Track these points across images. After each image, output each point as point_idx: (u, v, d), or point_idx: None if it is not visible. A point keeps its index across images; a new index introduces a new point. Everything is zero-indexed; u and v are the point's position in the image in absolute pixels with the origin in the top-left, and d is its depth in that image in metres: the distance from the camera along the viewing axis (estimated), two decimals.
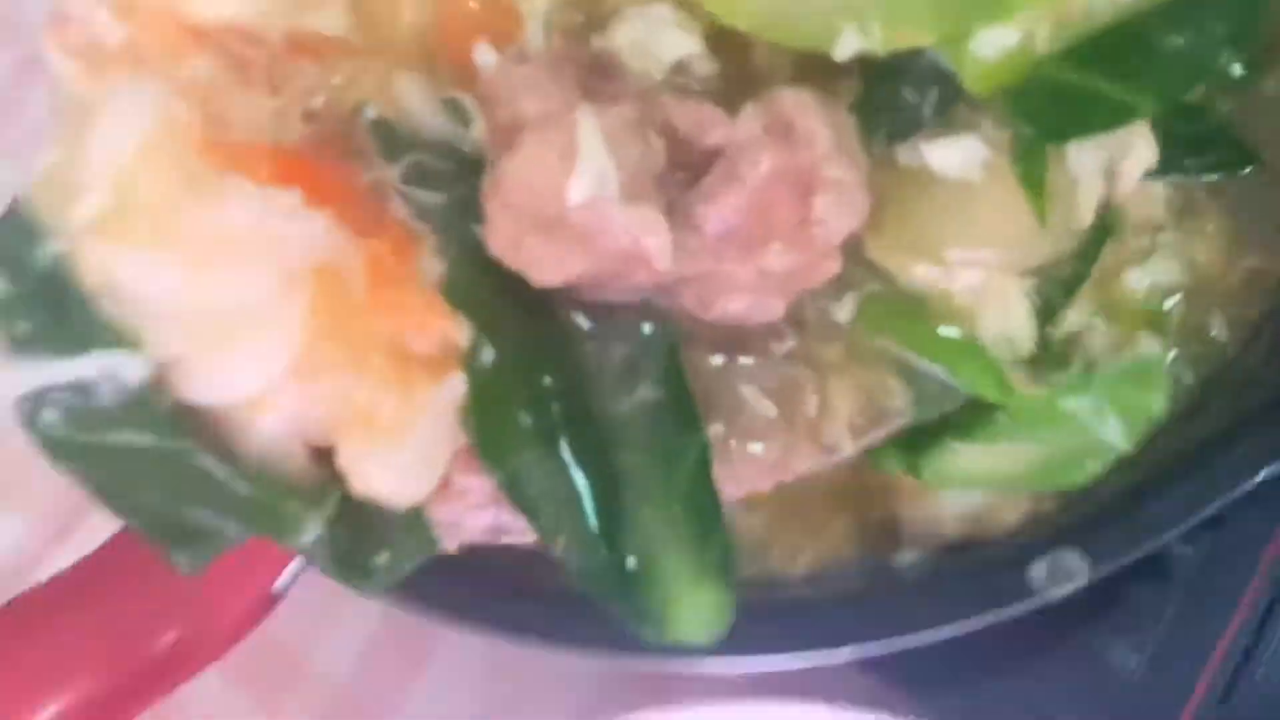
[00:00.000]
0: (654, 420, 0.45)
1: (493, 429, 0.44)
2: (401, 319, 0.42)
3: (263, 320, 0.42)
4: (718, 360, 0.47)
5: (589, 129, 0.42)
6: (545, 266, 0.43)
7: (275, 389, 0.43)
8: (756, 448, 0.48)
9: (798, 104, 0.44)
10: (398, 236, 0.44)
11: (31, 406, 0.42)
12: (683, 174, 0.45)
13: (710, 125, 0.45)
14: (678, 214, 0.43)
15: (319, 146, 0.47)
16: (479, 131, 0.47)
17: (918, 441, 0.55)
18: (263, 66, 0.46)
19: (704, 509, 0.45)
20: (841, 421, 0.49)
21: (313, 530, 0.45)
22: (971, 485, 0.61)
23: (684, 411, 0.45)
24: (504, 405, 0.44)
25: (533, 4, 0.47)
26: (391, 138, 0.47)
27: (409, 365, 0.42)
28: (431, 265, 0.45)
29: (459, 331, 0.43)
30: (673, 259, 0.43)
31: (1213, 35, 0.44)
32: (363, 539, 0.46)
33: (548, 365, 0.44)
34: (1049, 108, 0.44)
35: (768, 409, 0.48)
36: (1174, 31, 0.44)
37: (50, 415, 0.42)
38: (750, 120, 0.44)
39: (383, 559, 0.46)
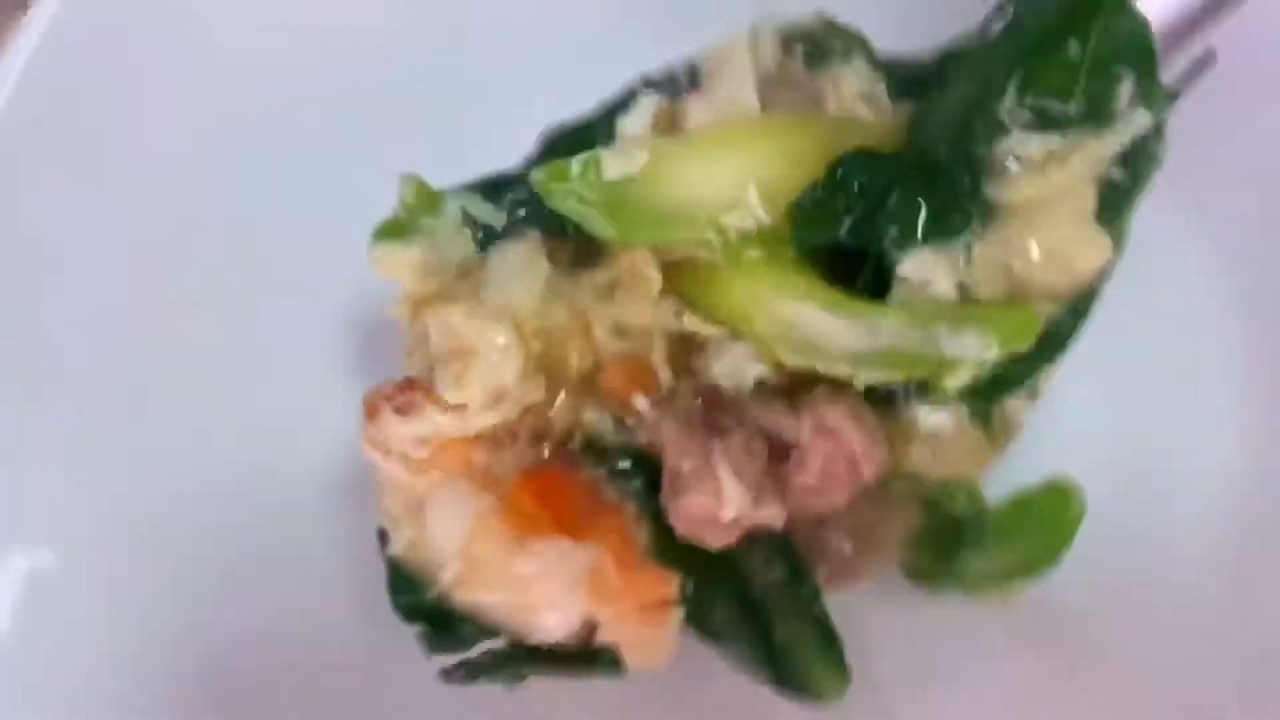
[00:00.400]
0: (786, 583, 0.79)
1: (700, 615, 0.77)
2: (639, 590, 0.74)
3: (570, 608, 0.73)
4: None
5: (726, 474, 0.72)
6: (712, 542, 0.75)
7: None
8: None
9: (834, 416, 0.75)
10: (620, 529, 0.75)
11: (445, 675, 0.75)
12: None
13: (784, 425, 0.74)
14: (779, 479, 0.74)
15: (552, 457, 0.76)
16: (643, 439, 0.76)
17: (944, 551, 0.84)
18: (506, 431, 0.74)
19: (823, 627, 0.80)
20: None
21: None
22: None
23: (802, 574, 0.80)
24: (705, 604, 0.76)
25: (659, 356, 0.74)
26: (594, 450, 0.76)
27: (648, 611, 0.74)
28: (638, 531, 0.75)
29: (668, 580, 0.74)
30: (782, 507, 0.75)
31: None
32: None
33: (722, 578, 0.77)
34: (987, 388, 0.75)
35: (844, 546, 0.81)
36: None
37: (460, 673, 0.75)
38: (805, 429, 0.75)
39: None
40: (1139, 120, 0.74)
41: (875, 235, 0.76)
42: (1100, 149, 0.75)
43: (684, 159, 0.75)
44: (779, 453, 0.76)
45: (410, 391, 0.73)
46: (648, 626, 0.76)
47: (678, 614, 0.76)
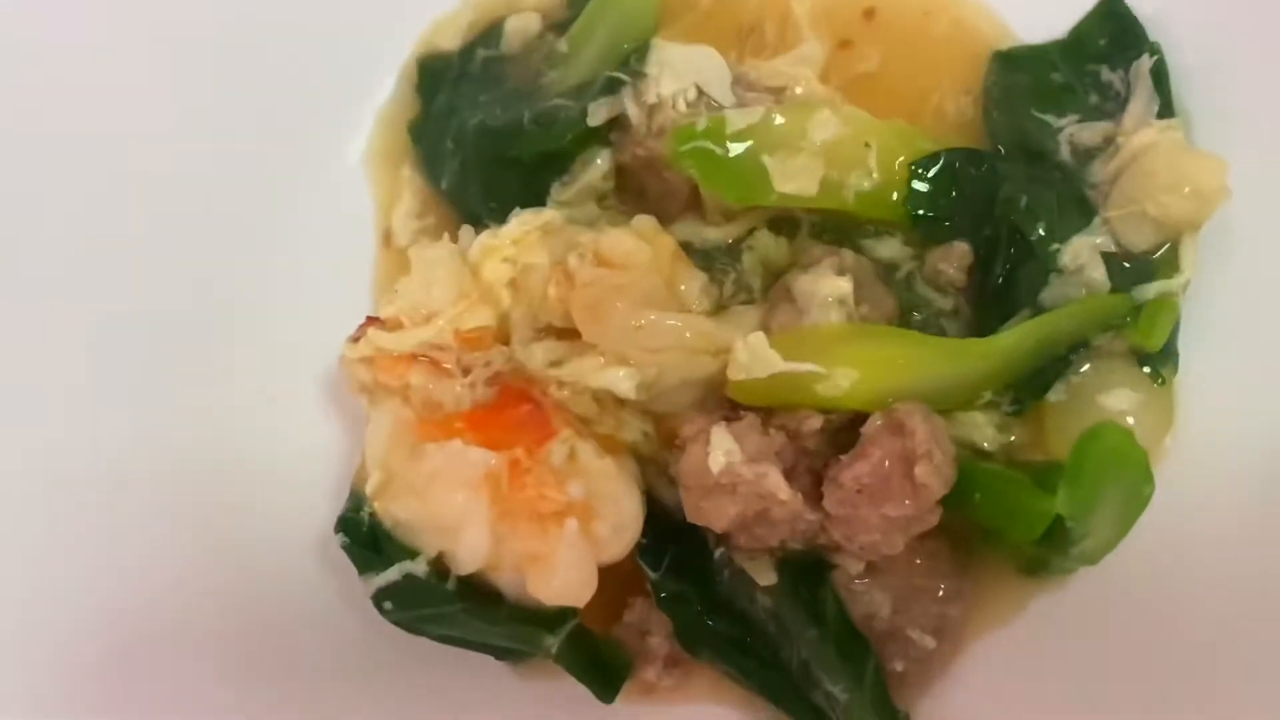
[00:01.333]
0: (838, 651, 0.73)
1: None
2: (535, 492, 0.68)
3: (469, 516, 0.70)
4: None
5: (718, 429, 0.71)
6: (714, 517, 0.71)
7: (492, 554, 0.70)
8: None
9: (908, 411, 0.70)
10: (533, 439, 0.71)
11: (377, 601, 0.73)
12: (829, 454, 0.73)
13: (808, 422, 0.73)
14: (830, 479, 0.71)
15: (500, 395, 0.75)
16: None
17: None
18: (451, 361, 0.76)
19: (883, 703, 0.73)
20: None
21: (555, 644, 0.73)
22: None
23: (858, 643, 0.74)
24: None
25: None
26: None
27: (544, 521, 0.68)
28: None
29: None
30: (824, 505, 0.71)
31: None
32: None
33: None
34: None
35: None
36: None
37: (389, 605, 0.74)
38: (876, 420, 0.71)
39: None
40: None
41: (1010, 233, 0.79)
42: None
43: (802, 120, 0.81)
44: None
45: (367, 324, 0.78)
46: (539, 539, 0.69)
47: (572, 528, 0.69)
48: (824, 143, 0.81)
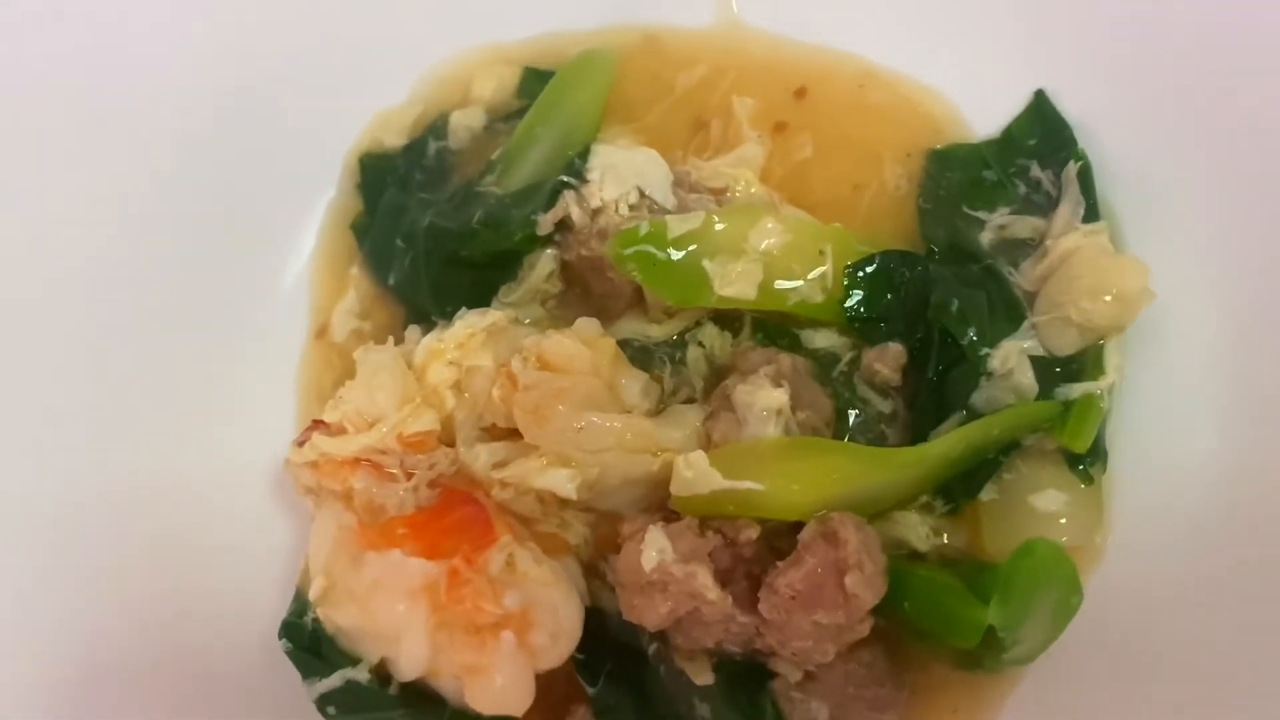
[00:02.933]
0: None
1: None
2: (472, 604, 0.69)
3: (409, 626, 0.71)
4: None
5: (654, 529, 0.73)
6: (647, 614, 0.72)
7: (431, 662, 0.71)
8: None
9: (841, 521, 0.72)
10: (473, 545, 0.72)
11: (321, 705, 0.75)
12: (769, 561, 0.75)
13: (745, 531, 0.74)
14: (766, 584, 0.72)
15: (443, 497, 0.76)
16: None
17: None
18: (395, 465, 0.77)
19: None
20: None
21: None
22: None
23: None
24: None
25: None
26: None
27: (481, 633, 0.69)
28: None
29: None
30: (760, 609, 0.72)
31: None
32: None
33: None
34: None
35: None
36: None
37: (332, 710, 0.75)
38: (811, 529, 0.73)
39: None
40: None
41: (942, 336, 0.81)
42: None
43: (743, 225, 0.84)
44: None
45: (312, 427, 0.79)
46: (477, 651, 0.70)
47: (508, 640, 0.70)
48: (765, 248, 0.83)
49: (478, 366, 0.80)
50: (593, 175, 0.87)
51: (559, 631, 0.73)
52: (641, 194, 0.87)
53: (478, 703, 0.71)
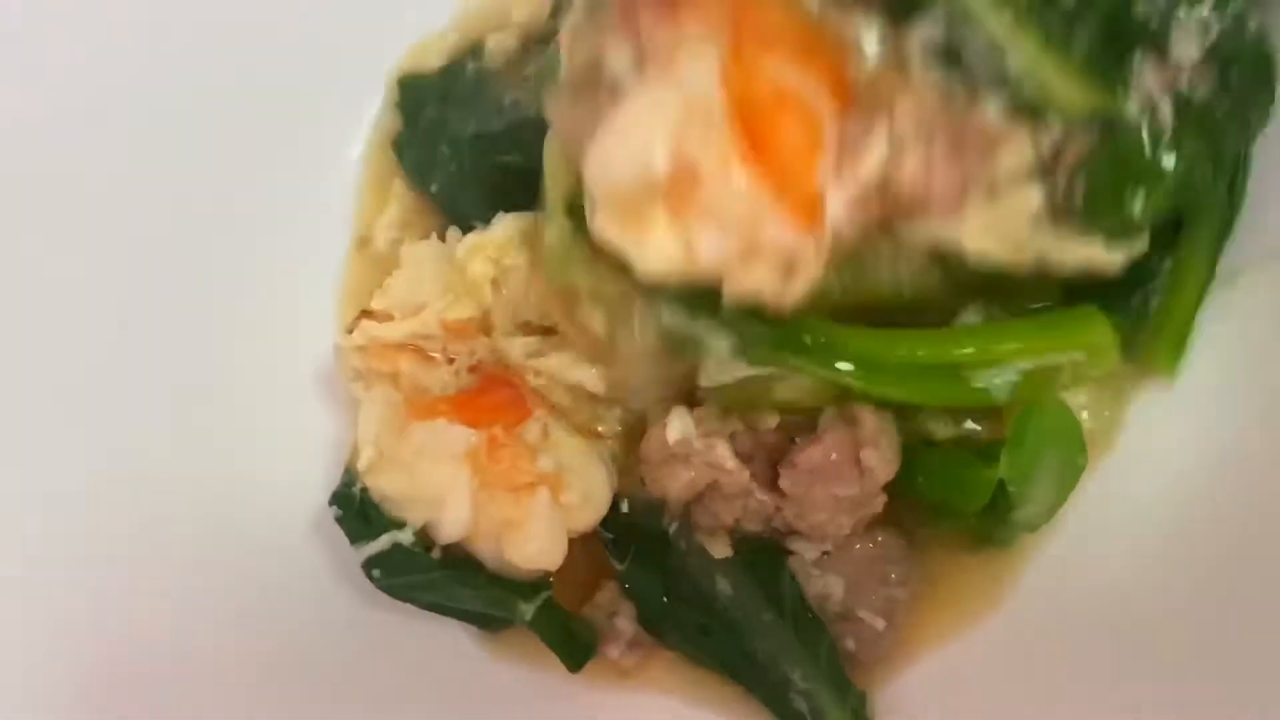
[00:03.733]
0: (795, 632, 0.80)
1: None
2: (510, 464, 0.75)
3: (452, 488, 0.77)
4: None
5: (679, 410, 0.78)
6: (669, 484, 0.78)
7: (472, 523, 0.77)
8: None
9: (859, 406, 0.77)
10: (510, 419, 0.77)
11: (367, 568, 0.80)
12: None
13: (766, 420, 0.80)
14: (786, 460, 0.78)
15: (482, 381, 0.82)
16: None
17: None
18: (438, 350, 0.83)
19: (839, 680, 0.80)
20: None
21: (529, 611, 0.80)
22: None
23: (814, 624, 0.81)
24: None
25: None
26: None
27: (518, 490, 0.75)
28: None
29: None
30: (780, 485, 0.77)
31: None
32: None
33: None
34: None
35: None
36: None
37: (377, 572, 0.80)
38: (830, 411, 0.78)
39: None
40: None
41: None
42: None
43: None
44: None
45: (361, 316, 0.85)
46: (514, 507, 0.76)
47: (543, 496, 0.77)
48: None
49: (515, 265, 0.85)
50: None
51: (589, 494, 0.79)
52: None
53: (515, 555, 0.77)
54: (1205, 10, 0.73)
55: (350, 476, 0.84)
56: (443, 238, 0.91)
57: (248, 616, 0.82)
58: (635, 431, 0.86)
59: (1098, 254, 0.75)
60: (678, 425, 0.78)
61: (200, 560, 0.84)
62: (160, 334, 0.91)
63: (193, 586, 0.83)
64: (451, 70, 1.03)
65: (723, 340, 0.74)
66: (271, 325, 0.96)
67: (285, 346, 0.96)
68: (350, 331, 0.85)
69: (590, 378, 0.83)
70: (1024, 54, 0.69)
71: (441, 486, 0.78)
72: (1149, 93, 0.72)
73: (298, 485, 0.89)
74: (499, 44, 1.02)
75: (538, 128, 0.90)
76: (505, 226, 0.88)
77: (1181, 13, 0.72)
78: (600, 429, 0.85)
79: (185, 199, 0.94)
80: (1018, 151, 0.70)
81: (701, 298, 0.73)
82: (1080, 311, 0.79)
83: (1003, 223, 0.72)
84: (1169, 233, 0.80)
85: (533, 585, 0.81)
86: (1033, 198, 0.72)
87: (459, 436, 0.78)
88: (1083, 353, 0.77)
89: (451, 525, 0.78)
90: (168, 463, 0.87)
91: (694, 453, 0.78)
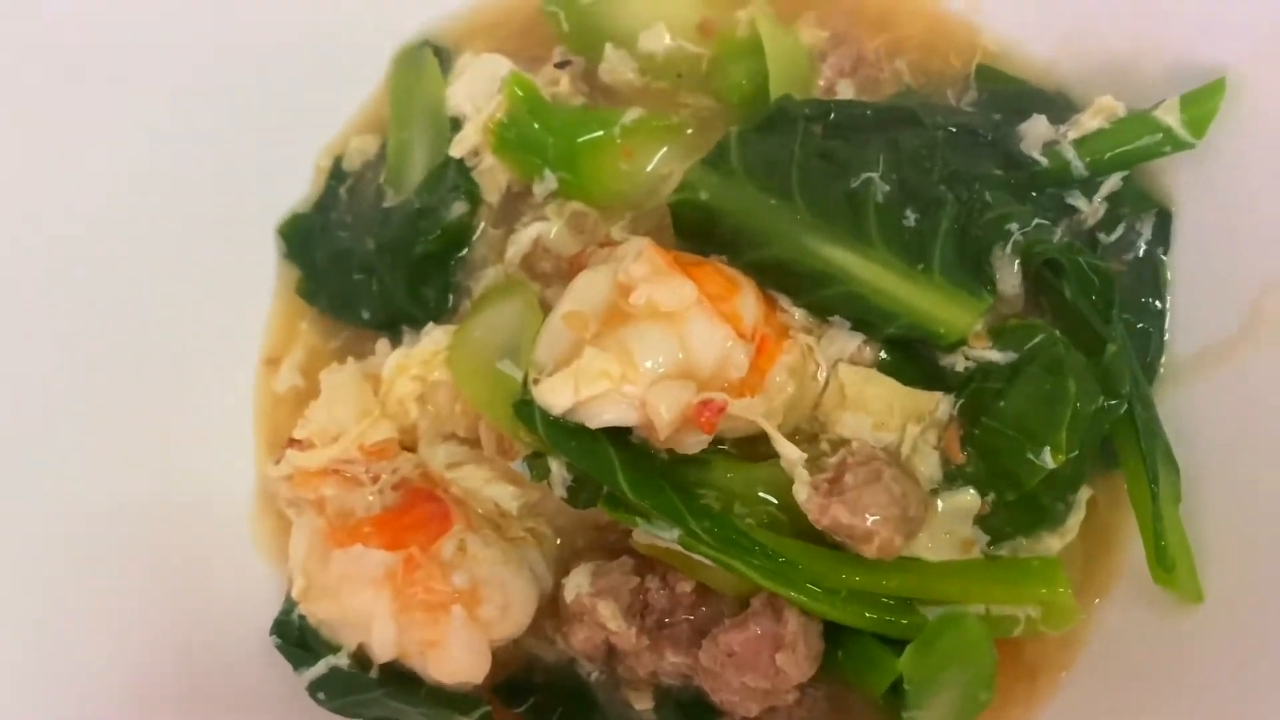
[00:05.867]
0: None
1: None
2: (424, 586, 0.78)
3: (375, 612, 0.80)
4: None
5: (580, 569, 0.83)
6: (570, 639, 0.82)
7: (399, 643, 0.79)
8: None
9: (789, 604, 0.79)
10: (430, 535, 0.80)
11: (312, 692, 0.83)
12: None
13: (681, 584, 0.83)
14: (710, 635, 0.80)
15: (405, 497, 0.85)
16: None
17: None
18: (360, 472, 0.85)
19: None
20: None
21: None
22: None
23: None
24: None
25: None
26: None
27: (434, 610, 0.78)
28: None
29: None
30: (700, 656, 0.80)
31: None
32: None
33: None
34: None
35: None
36: None
37: (322, 695, 0.84)
38: (762, 598, 0.80)
39: None
40: None
41: None
42: None
43: None
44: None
45: (287, 445, 0.89)
46: (432, 626, 0.79)
47: (458, 614, 0.80)
48: None
49: (440, 381, 0.89)
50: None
51: (508, 605, 0.82)
52: None
53: (438, 672, 0.80)
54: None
55: (290, 604, 0.87)
56: (359, 357, 0.95)
57: None
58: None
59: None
60: (573, 584, 0.82)
61: (153, 683, 0.86)
62: (106, 444, 0.91)
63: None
64: (323, 201, 1.06)
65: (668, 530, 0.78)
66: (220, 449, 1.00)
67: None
68: (277, 462, 0.88)
69: (505, 496, 0.86)
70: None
71: (365, 611, 0.80)
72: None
73: (248, 609, 0.92)
74: (357, 148, 1.06)
75: (427, 212, 0.98)
76: (431, 340, 0.91)
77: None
78: (525, 533, 0.87)
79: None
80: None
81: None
82: (1040, 563, 0.81)
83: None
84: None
85: (471, 699, 0.83)
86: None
87: (377, 560, 0.80)
88: (1037, 608, 0.79)
89: (380, 647, 0.81)
90: (120, 595, 0.88)
91: (585, 611, 0.82)
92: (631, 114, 0.97)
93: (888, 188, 0.84)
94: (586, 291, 0.81)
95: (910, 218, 0.84)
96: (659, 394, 0.75)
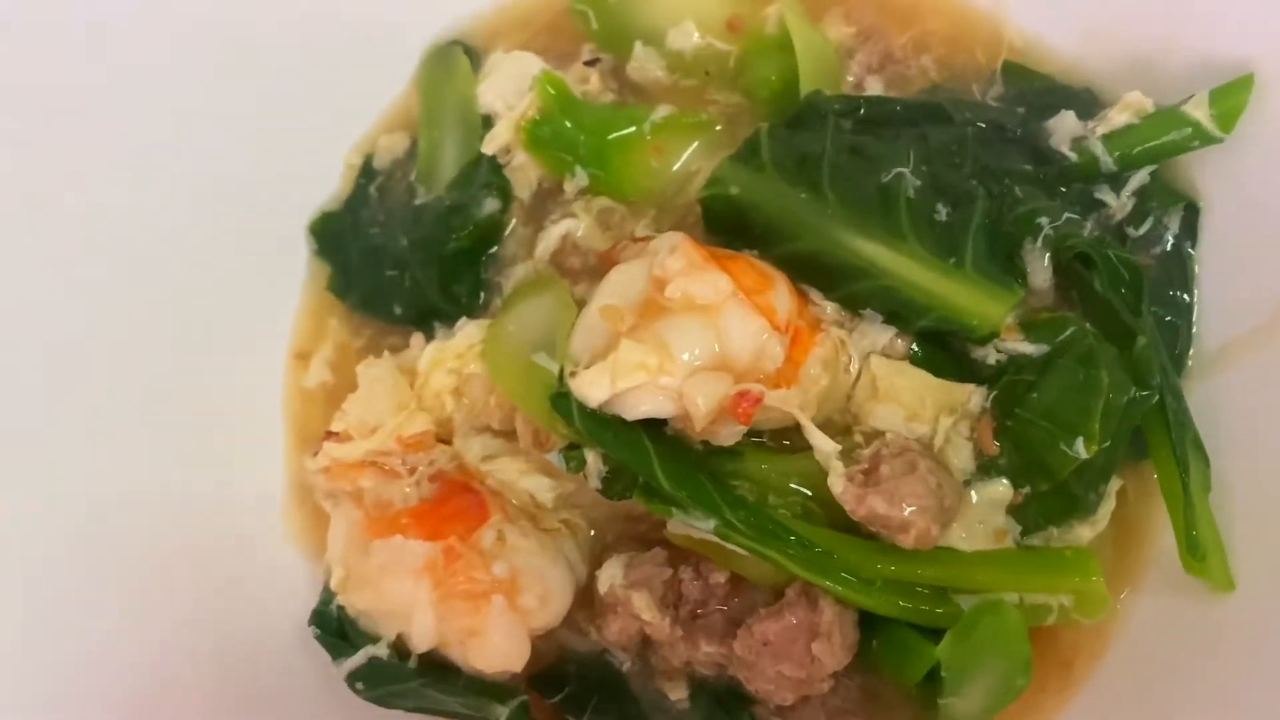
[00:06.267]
0: None
1: None
2: (465, 576, 0.79)
3: (415, 602, 0.80)
4: None
5: (613, 560, 0.84)
6: (605, 631, 0.84)
7: (439, 632, 0.80)
8: None
9: (824, 593, 0.80)
10: (468, 526, 0.81)
11: (350, 682, 0.84)
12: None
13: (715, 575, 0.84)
14: (745, 625, 0.81)
15: (442, 489, 0.86)
16: None
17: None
18: (398, 464, 0.86)
19: None
20: None
21: (504, 714, 0.83)
22: None
23: None
24: None
25: None
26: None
27: (475, 599, 0.79)
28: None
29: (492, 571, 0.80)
30: (735, 646, 0.81)
31: None
32: None
33: None
34: None
35: None
36: None
37: (360, 685, 0.85)
38: (797, 588, 0.81)
39: None
40: None
41: None
42: None
43: None
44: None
45: (325, 438, 0.89)
46: (473, 615, 0.80)
47: (499, 603, 0.81)
48: None
49: (474, 374, 0.90)
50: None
51: (546, 594, 0.83)
52: None
53: (479, 661, 0.81)
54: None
55: (327, 594, 0.88)
56: (392, 351, 0.96)
57: None
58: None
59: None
60: (606, 575, 0.83)
61: (185, 675, 0.87)
62: (138, 437, 0.93)
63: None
64: (354, 200, 1.07)
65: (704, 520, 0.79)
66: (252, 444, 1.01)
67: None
68: (315, 455, 0.89)
69: (540, 488, 0.87)
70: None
71: (406, 601, 0.81)
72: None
73: (286, 600, 0.93)
74: (386, 147, 1.07)
75: (459, 209, 0.99)
76: (465, 336, 0.92)
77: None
78: (560, 524, 0.88)
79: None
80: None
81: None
82: (1074, 553, 0.82)
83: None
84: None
85: (509, 688, 0.84)
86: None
87: (417, 551, 0.81)
88: (1070, 597, 0.80)
89: (420, 637, 0.82)
90: (163, 586, 0.89)
91: (619, 602, 0.83)
92: (661, 111, 0.98)
93: (919, 182, 0.85)
94: (622, 285, 0.82)
95: (941, 212, 0.85)
96: (696, 385, 0.76)
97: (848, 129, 0.90)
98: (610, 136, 0.99)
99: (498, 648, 0.80)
